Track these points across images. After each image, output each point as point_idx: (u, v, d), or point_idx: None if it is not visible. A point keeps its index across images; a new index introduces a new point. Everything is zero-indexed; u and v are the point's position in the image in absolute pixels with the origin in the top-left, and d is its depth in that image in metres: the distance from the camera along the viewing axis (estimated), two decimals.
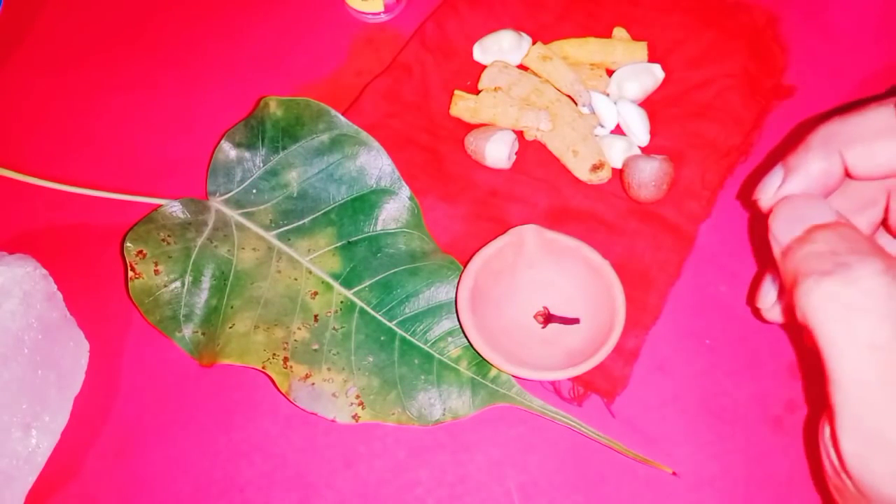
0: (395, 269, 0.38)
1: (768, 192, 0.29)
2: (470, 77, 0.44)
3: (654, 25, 0.45)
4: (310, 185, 0.39)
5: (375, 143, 0.39)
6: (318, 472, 0.35)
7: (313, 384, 0.35)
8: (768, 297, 0.33)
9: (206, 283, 0.37)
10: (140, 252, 0.36)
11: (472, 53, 0.45)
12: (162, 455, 0.36)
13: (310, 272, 0.38)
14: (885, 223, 0.30)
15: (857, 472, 0.24)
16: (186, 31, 0.48)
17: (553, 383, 0.36)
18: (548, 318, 0.36)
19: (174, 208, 0.38)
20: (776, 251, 0.26)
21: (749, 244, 0.39)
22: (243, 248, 0.38)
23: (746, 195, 0.41)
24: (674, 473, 0.34)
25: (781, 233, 0.26)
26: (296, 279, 0.37)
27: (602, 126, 0.42)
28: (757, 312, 0.35)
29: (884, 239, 0.31)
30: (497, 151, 0.40)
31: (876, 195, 0.29)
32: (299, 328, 0.36)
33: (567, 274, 0.37)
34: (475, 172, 0.41)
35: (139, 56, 0.47)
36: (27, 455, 0.34)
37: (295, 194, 0.39)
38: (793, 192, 0.28)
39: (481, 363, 0.36)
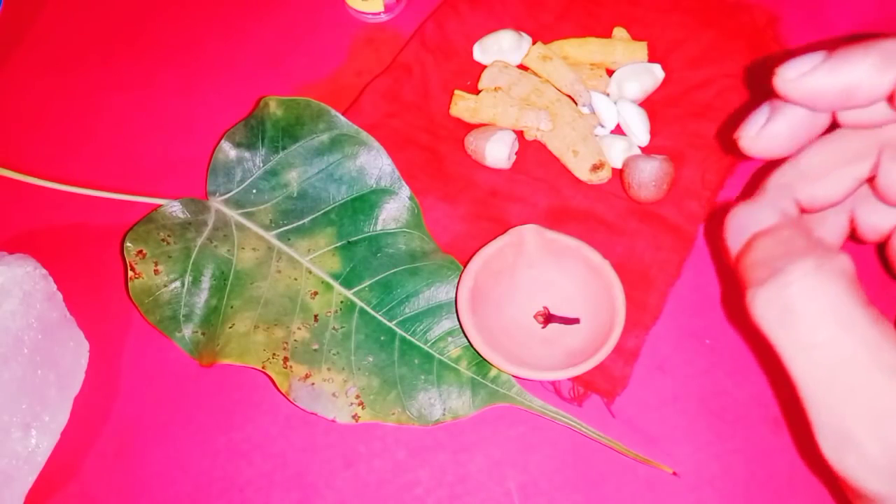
0: (395, 269, 0.38)
1: (751, 131, 0.27)
2: (470, 77, 0.44)
3: (654, 25, 0.45)
4: (310, 185, 0.39)
5: (375, 143, 0.39)
6: (318, 472, 0.35)
7: (313, 384, 0.35)
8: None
9: (206, 283, 0.37)
10: (140, 252, 0.36)
11: (472, 53, 0.45)
12: (162, 455, 0.36)
13: (310, 272, 0.38)
14: (871, 181, 0.29)
15: (840, 469, 0.24)
16: (186, 31, 0.48)
17: (553, 383, 0.36)
18: (548, 318, 0.36)
19: (174, 208, 0.38)
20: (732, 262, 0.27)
21: None
22: (243, 248, 0.38)
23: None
24: (674, 473, 0.34)
25: (731, 243, 0.27)
26: (296, 279, 0.37)
27: (602, 126, 0.42)
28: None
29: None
30: (497, 151, 0.40)
31: (867, 149, 0.28)
32: (299, 328, 0.36)
33: (567, 274, 0.37)
34: (475, 172, 0.41)
35: (139, 56, 0.47)
36: (27, 455, 0.34)
37: (295, 194, 0.39)
38: (778, 131, 0.27)
39: (481, 363, 0.36)
